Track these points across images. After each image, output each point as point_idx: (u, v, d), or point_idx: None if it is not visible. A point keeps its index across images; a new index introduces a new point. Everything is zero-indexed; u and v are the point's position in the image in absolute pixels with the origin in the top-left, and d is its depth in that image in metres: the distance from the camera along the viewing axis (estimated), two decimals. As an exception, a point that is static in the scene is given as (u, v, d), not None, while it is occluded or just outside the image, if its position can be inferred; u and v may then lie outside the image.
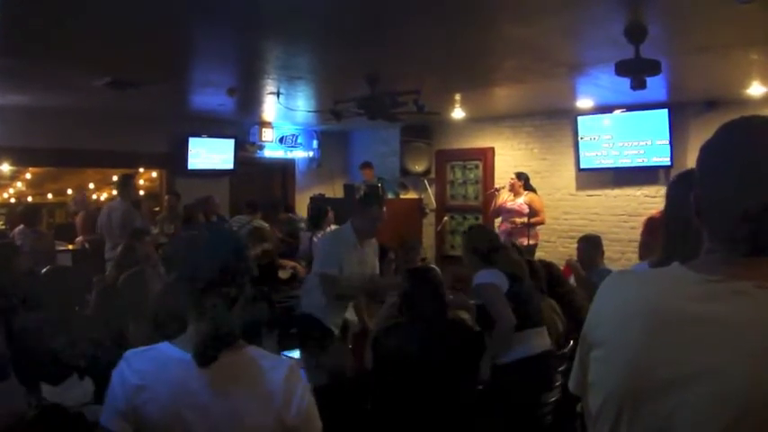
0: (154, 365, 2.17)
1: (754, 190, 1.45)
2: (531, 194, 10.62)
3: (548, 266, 6.21)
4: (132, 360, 2.20)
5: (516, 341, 4.93)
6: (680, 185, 2.24)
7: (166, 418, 2.11)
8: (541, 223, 10.62)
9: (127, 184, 9.84)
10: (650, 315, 1.52)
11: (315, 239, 9.27)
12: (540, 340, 5.09)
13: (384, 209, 5.99)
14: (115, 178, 10.76)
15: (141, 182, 13.88)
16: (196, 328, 2.19)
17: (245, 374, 2.19)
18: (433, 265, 7.70)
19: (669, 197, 2.40)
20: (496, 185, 11.41)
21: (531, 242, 10.06)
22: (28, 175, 13.37)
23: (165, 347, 2.22)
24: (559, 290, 5.98)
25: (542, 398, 5.13)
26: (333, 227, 10.17)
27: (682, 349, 1.43)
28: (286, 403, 2.17)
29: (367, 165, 13.11)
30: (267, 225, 10.48)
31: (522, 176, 10.76)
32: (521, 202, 10.49)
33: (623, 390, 1.52)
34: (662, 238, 2.32)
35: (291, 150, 13.82)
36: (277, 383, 2.18)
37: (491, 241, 5.42)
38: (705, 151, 1.58)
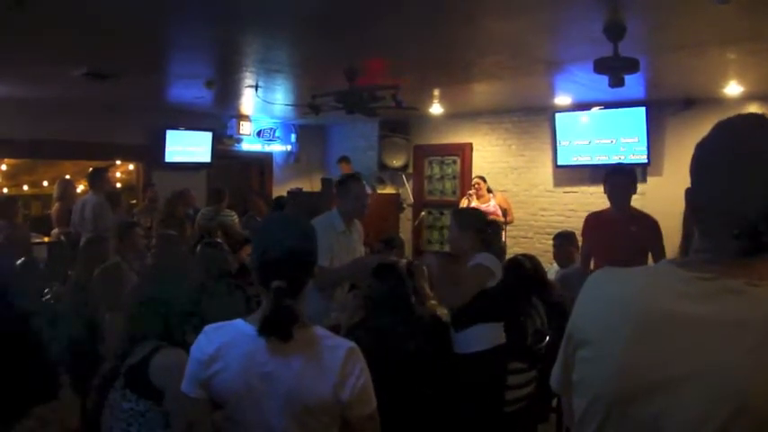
0: (228, 338, 2.42)
1: (750, 189, 1.44)
2: (499, 195, 10.76)
3: (531, 260, 6.20)
4: (210, 333, 2.47)
5: (479, 333, 4.95)
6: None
7: (237, 386, 2.36)
8: (511, 222, 10.77)
9: (99, 178, 9.70)
10: (640, 314, 1.50)
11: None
12: (499, 333, 5.10)
13: (366, 186, 5.85)
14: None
15: (118, 174, 13.77)
16: (263, 306, 2.42)
17: (308, 350, 2.37)
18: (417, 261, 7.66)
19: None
20: (470, 191, 11.29)
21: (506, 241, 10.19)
22: (3, 167, 13.22)
23: (238, 323, 2.45)
24: (542, 287, 5.98)
25: (508, 393, 5.15)
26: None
27: (672, 349, 1.42)
28: (342, 381, 2.34)
29: (344, 159, 13.12)
30: (235, 215, 10.47)
31: (484, 179, 10.93)
32: (494, 204, 10.61)
33: (611, 390, 1.51)
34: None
35: (269, 144, 13.76)
36: (335, 361, 2.35)
37: (481, 216, 5.46)
38: (701, 149, 1.57)
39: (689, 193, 1.57)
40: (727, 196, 1.47)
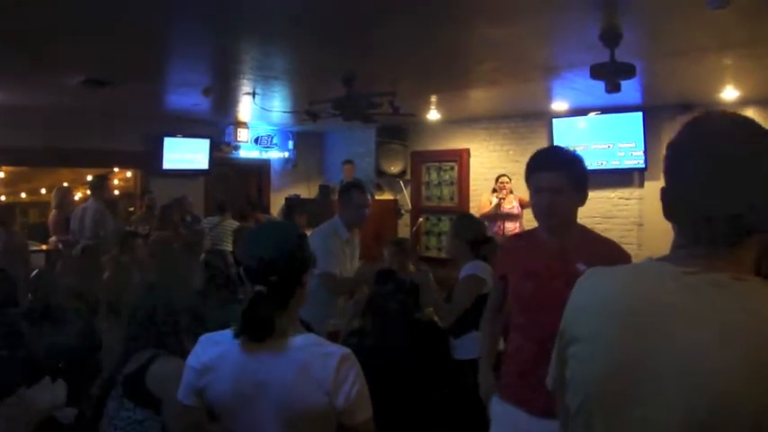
0: (222, 348, 2.42)
1: (718, 188, 1.46)
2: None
3: None
4: (204, 343, 2.50)
5: (477, 339, 4.95)
6: None
7: (230, 395, 2.37)
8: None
9: (100, 185, 9.73)
10: (628, 310, 1.53)
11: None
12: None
13: (367, 195, 5.76)
14: (90, 178, 10.66)
15: (116, 181, 13.77)
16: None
17: (302, 358, 2.35)
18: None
19: None
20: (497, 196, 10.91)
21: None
22: (1, 174, 13.22)
23: (231, 333, 2.41)
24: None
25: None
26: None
27: (660, 343, 1.44)
28: (336, 389, 2.32)
29: (349, 162, 13.10)
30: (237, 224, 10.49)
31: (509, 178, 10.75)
32: (516, 204, 10.56)
33: (603, 384, 1.53)
34: None
35: (267, 151, 13.79)
36: (329, 369, 2.32)
37: (481, 231, 5.40)
38: (671, 149, 1.59)
39: (663, 192, 1.60)
40: (699, 192, 1.50)
